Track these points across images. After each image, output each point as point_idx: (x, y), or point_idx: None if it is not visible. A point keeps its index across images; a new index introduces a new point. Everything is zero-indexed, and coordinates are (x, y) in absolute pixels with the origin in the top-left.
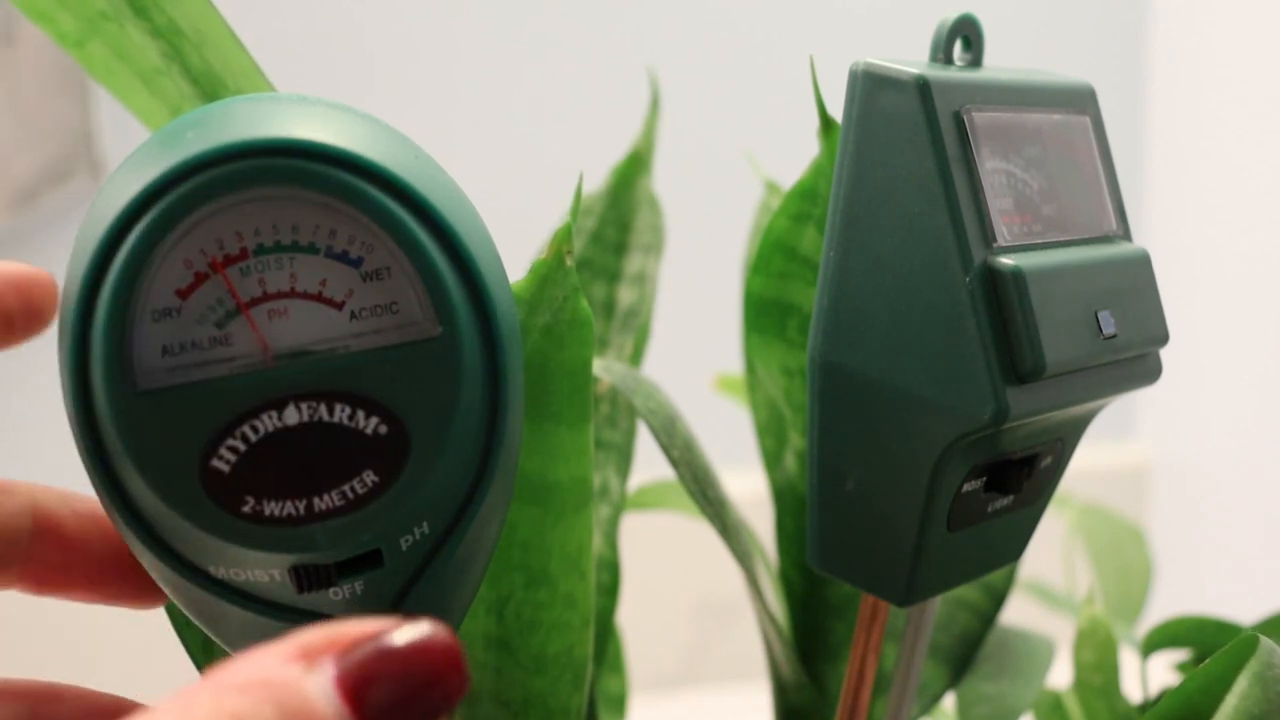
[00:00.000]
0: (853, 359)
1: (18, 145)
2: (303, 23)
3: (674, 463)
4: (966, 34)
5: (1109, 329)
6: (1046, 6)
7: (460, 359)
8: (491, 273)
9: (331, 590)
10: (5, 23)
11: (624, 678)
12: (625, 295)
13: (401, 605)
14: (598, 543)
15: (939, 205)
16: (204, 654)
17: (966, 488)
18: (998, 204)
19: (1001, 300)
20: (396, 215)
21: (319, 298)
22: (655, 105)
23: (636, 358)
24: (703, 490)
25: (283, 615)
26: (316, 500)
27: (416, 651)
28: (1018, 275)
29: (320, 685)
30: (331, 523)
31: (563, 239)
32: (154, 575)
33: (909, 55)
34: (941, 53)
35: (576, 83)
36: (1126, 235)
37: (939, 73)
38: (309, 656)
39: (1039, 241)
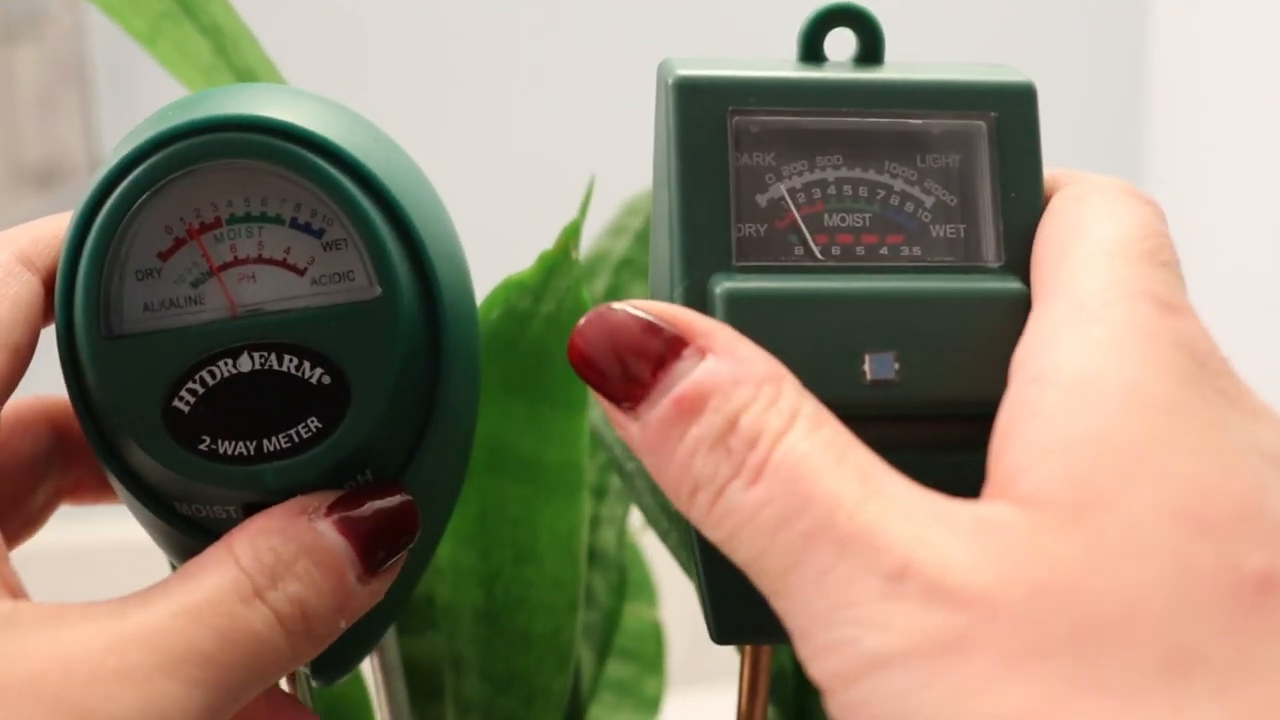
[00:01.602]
0: None
1: (17, 144)
2: (329, 22)
3: (624, 474)
4: (850, 26)
5: (881, 373)
6: (1047, 6)
7: (397, 320)
8: (437, 245)
9: None
10: (5, 23)
11: (662, 680)
12: None
13: None
14: (609, 540)
15: (674, 214)
16: None
17: None
18: (794, 220)
19: None
20: (340, 183)
21: (283, 264)
22: None
23: None
24: (663, 505)
25: None
26: (265, 442)
27: (392, 504)
28: (722, 298)
29: (325, 527)
30: (278, 464)
31: (570, 234)
32: (132, 512)
33: (927, 55)
34: (804, 49)
35: (605, 80)
36: (1013, 267)
37: (735, 72)
38: (309, 511)
39: (844, 265)
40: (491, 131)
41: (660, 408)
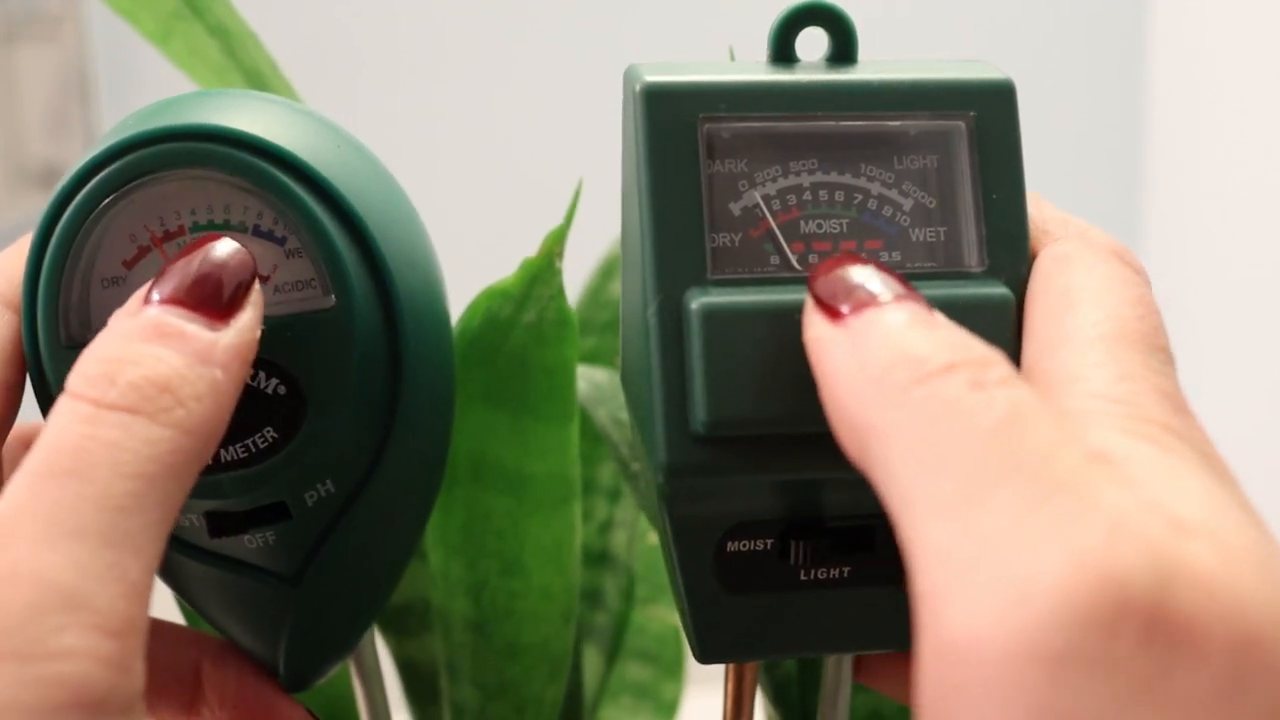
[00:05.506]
0: (626, 389)
1: (20, 144)
2: (324, 25)
3: (629, 476)
4: (822, 25)
5: None
6: (1047, 6)
7: (353, 330)
8: (399, 253)
9: (245, 538)
10: (8, 23)
11: (681, 683)
12: None
13: (315, 559)
14: (620, 544)
15: (645, 227)
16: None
17: (737, 547)
18: (769, 228)
19: (682, 340)
20: (292, 190)
21: None
22: None
23: None
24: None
25: (207, 560)
26: (223, 451)
27: (216, 250)
28: (698, 315)
29: (146, 311)
30: (236, 473)
31: (553, 242)
32: None
33: (921, 56)
34: (775, 51)
35: (594, 85)
36: (996, 271)
37: (705, 77)
38: (130, 313)
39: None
40: (482, 136)
41: (894, 304)
